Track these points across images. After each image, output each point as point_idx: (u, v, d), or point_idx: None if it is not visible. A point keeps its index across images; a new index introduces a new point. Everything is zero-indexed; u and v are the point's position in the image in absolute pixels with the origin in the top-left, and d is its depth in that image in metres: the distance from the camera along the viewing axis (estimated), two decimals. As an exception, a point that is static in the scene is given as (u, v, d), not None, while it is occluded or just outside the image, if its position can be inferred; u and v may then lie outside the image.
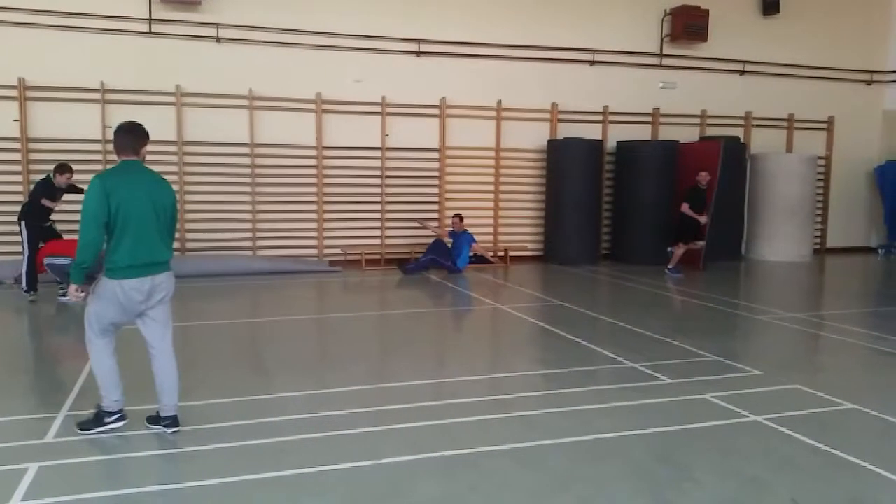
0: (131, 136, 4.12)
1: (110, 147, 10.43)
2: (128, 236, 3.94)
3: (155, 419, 4.19)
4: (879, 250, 14.94)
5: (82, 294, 4.03)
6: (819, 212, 14.71)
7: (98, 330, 4.11)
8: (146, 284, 4.03)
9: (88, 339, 4.15)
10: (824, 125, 14.87)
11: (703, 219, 11.20)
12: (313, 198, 11.64)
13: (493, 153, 12.60)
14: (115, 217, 3.91)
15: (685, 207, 11.17)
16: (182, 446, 3.95)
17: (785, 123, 14.56)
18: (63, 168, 8.34)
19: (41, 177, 8.76)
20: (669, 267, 11.26)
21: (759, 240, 13.66)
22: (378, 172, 11.94)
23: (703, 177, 11.44)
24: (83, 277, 4.00)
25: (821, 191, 14.76)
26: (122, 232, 3.94)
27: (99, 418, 4.15)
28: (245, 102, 11.12)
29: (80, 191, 8.31)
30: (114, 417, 4.16)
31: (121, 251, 3.95)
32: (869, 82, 15.17)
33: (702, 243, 11.49)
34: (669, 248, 11.65)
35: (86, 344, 4.17)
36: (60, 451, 3.92)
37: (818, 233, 14.79)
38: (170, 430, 4.13)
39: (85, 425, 4.16)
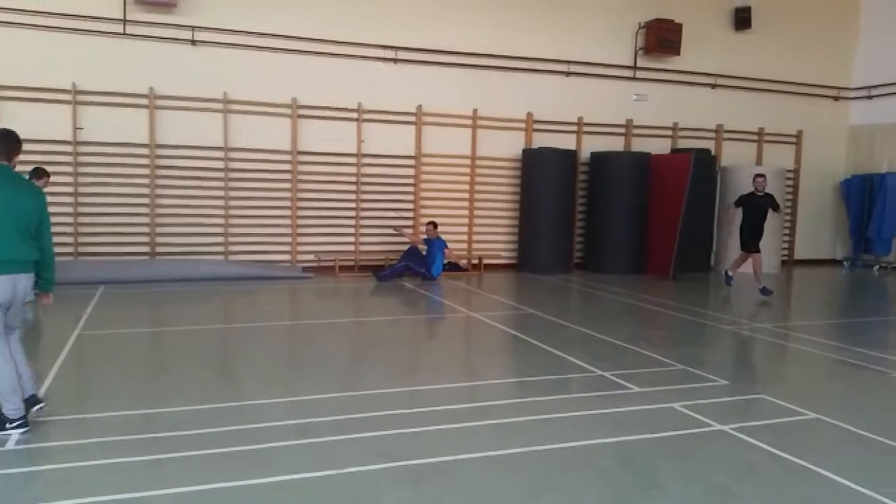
0: (4, 143, 4.31)
1: (81, 149, 10.39)
2: None
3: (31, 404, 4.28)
4: (844, 263, 15.26)
5: None
6: (787, 224, 15.00)
7: None
8: (10, 284, 4.14)
9: None
10: (793, 139, 15.19)
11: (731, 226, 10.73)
12: (287, 203, 11.57)
13: (468, 161, 12.65)
14: None
15: (731, 211, 10.58)
16: (150, 454, 3.90)
17: (755, 137, 14.83)
18: (40, 173, 8.25)
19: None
20: (761, 287, 10.17)
21: (729, 251, 13.80)
22: (353, 179, 11.92)
23: (760, 182, 10.27)
24: None
25: (789, 204, 15.05)
26: None
27: (0, 423, 4.14)
28: (219, 106, 11.03)
29: None
30: (14, 424, 4.13)
31: None
32: (836, 98, 15.53)
33: (748, 256, 10.49)
34: (728, 272, 10.97)
35: None
36: (22, 459, 3.86)
37: (786, 245, 15.08)
38: (36, 409, 4.31)
39: None
